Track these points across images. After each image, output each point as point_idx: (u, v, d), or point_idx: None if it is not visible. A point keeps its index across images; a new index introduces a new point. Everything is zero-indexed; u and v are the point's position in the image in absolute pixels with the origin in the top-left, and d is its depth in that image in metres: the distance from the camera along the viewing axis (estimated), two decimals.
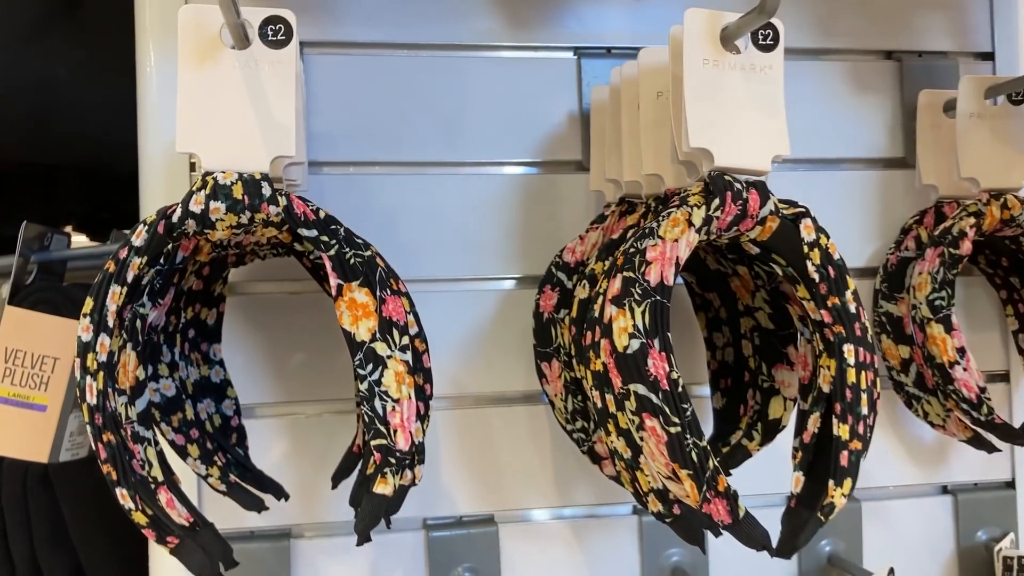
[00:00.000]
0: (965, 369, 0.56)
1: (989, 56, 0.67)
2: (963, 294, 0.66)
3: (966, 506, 0.65)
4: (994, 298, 0.66)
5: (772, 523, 0.44)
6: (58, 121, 0.59)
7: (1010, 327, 0.64)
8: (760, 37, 0.43)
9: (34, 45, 0.57)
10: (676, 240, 0.40)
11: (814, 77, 0.64)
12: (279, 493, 0.52)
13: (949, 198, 0.62)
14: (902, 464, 0.65)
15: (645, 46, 0.61)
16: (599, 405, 0.42)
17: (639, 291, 0.39)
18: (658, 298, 0.39)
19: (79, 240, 0.79)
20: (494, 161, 0.61)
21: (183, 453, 0.48)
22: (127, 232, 0.77)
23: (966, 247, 0.56)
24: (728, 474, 0.52)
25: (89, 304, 0.40)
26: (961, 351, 0.56)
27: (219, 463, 0.49)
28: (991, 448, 0.60)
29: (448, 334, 0.59)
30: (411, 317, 0.45)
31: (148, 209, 0.56)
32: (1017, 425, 0.62)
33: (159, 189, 0.56)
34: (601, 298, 0.41)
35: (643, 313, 0.38)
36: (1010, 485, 0.66)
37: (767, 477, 0.59)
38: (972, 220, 0.57)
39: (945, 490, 0.66)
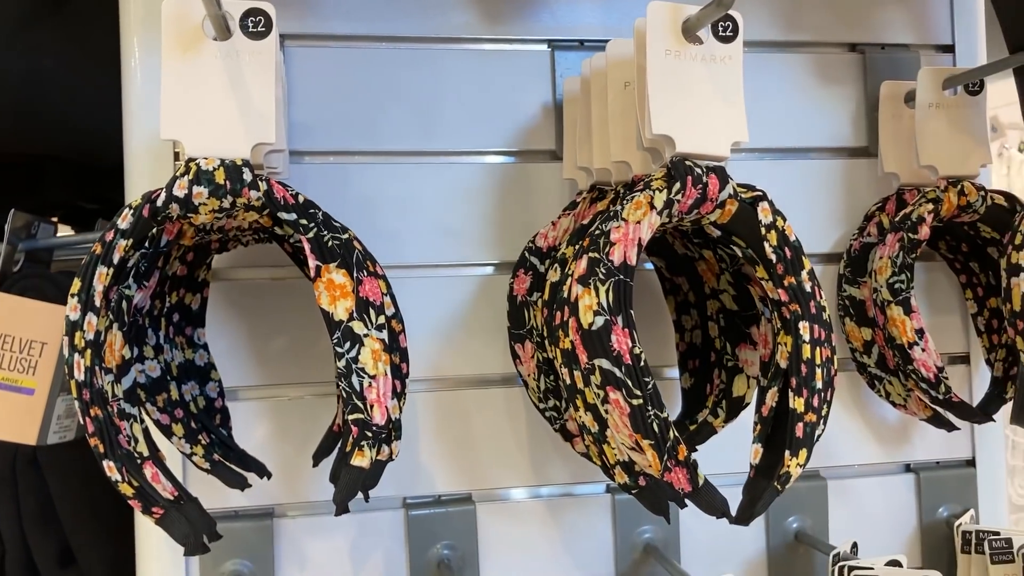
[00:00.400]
0: (924, 350, 0.58)
1: (950, 48, 0.69)
2: (925, 279, 0.68)
3: (928, 484, 0.67)
4: (955, 283, 0.68)
5: (739, 496, 0.46)
6: (45, 112, 0.60)
7: (970, 310, 0.67)
8: (720, 29, 0.45)
9: (21, 38, 0.59)
10: (639, 222, 0.42)
11: (781, 69, 0.66)
12: (262, 472, 0.54)
13: (910, 185, 0.64)
14: (866, 443, 0.67)
15: (616, 37, 0.64)
16: (568, 382, 0.44)
17: (603, 271, 0.41)
18: (621, 277, 0.41)
19: (64, 231, 0.80)
20: (470, 151, 0.62)
21: (168, 432, 0.50)
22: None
23: (924, 232, 0.59)
24: (694, 450, 0.55)
25: (77, 284, 0.41)
26: (920, 332, 0.58)
27: (203, 442, 0.51)
28: (950, 427, 0.63)
29: (426, 318, 0.61)
30: (387, 298, 0.47)
31: (133, 197, 0.58)
32: (976, 404, 0.65)
33: (144, 178, 0.58)
34: (569, 279, 0.43)
35: (607, 291, 0.40)
36: (970, 463, 0.69)
37: (734, 453, 0.61)
38: (930, 206, 0.59)
39: (908, 468, 0.68)
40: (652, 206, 0.42)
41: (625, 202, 0.43)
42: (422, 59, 0.62)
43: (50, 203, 0.74)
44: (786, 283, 0.44)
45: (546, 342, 0.52)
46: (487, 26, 0.63)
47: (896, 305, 0.58)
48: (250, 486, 0.52)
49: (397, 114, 0.61)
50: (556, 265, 0.51)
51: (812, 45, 0.67)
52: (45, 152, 0.63)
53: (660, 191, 0.43)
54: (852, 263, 0.63)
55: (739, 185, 0.45)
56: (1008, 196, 0.60)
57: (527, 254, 0.55)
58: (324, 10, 0.61)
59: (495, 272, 0.62)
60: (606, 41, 0.63)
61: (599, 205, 0.54)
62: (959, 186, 0.60)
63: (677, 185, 0.43)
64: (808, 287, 0.45)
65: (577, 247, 0.45)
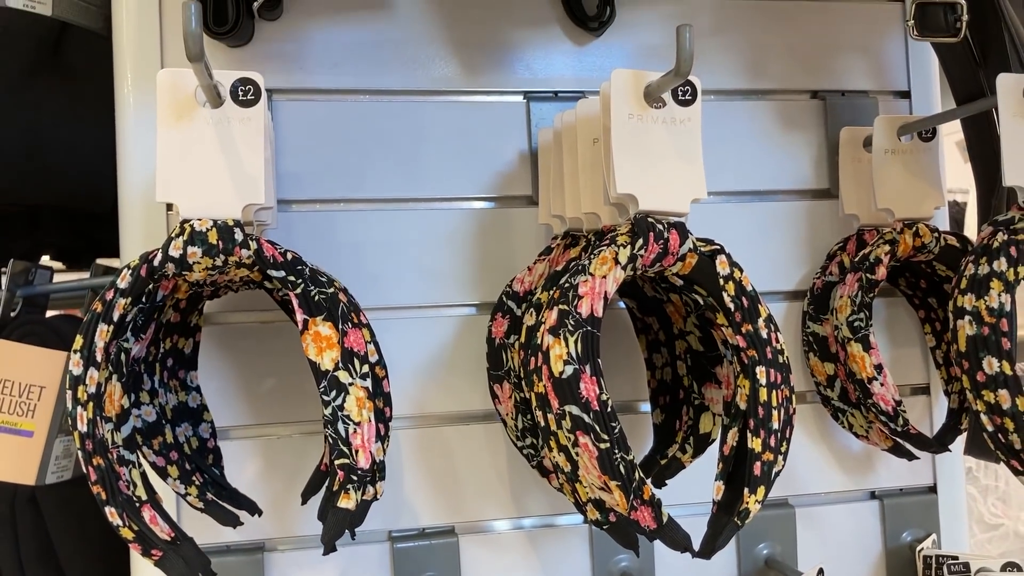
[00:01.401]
0: (882, 384, 0.61)
1: (906, 95, 0.73)
2: (886, 314, 0.72)
3: (892, 510, 0.70)
4: (915, 318, 0.71)
5: (703, 528, 0.49)
6: (42, 164, 0.63)
7: (928, 344, 0.70)
8: (680, 93, 0.48)
9: (22, 94, 0.62)
10: (604, 276, 0.45)
11: (746, 116, 0.70)
12: (253, 509, 0.56)
13: (869, 226, 0.67)
14: (832, 472, 0.70)
15: (588, 89, 0.67)
16: (542, 424, 0.46)
17: (572, 322, 0.44)
18: (589, 328, 0.44)
19: (56, 266, 0.83)
20: (451, 197, 0.65)
21: (163, 474, 0.52)
22: (103, 263, 0.81)
23: (881, 272, 0.62)
24: (664, 484, 0.58)
25: (79, 341, 0.44)
26: (879, 368, 0.61)
27: (197, 482, 0.54)
28: (911, 456, 0.66)
29: (409, 358, 0.64)
30: (371, 346, 0.50)
31: (127, 245, 0.60)
32: (934, 435, 0.68)
33: (137, 225, 0.60)
34: (541, 328, 0.46)
35: (576, 342, 0.43)
36: (932, 490, 0.72)
37: (701, 486, 0.64)
38: (887, 247, 0.63)
39: (873, 495, 0.71)
40: (617, 261, 0.45)
41: (592, 256, 0.46)
42: (404, 110, 0.65)
43: (44, 245, 0.77)
44: (744, 330, 0.47)
45: (523, 384, 0.55)
46: (466, 79, 0.66)
47: (856, 342, 0.61)
48: (242, 524, 0.55)
49: (381, 163, 0.64)
50: (532, 309, 0.54)
51: (775, 92, 0.71)
52: (41, 201, 0.65)
53: (624, 247, 0.46)
54: (815, 301, 0.67)
55: (699, 239, 0.48)
56: (960, 237, 0.64)
57: (504, 298, 0.58)
58: (310, 65, 0.64)
59: (475, 313, 0.65)
60: (578, 92, 0.67)
61: (572, 252, 0.57)
62: (914, 228, 0.63)
63: (640, 241, 0.46)
64: (764, 333, 0.48)
65: (549, 297, 0.48)
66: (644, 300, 0.60)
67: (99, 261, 0.80)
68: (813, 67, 0.71)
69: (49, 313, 0.70)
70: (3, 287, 0.62)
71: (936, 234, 0.63)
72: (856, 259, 0.63)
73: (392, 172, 0.64)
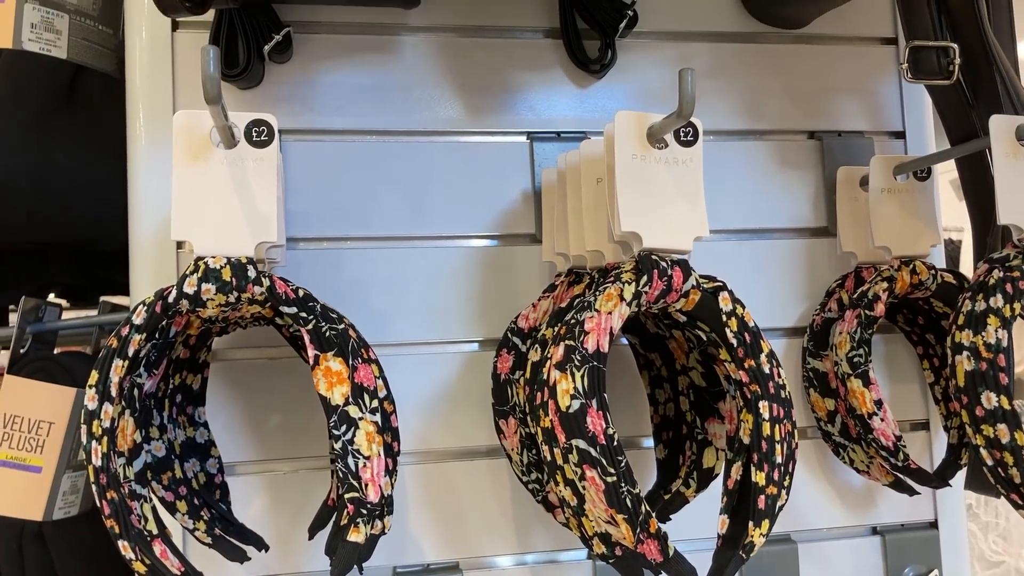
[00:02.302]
0: (883, 420, 0.62)
1: (901, 135, 0.74)
2: (885, 349, 0.72)
3: (893, 545, 0.71)
4: (913, 353, 0.72)
5: (708, 562, 0.49)
6: (53, 204, 0.64)
7: (927, 379, 0.71)
8: (681, 134, 0.50)
9: (35, 134, 0.63)
10: (610, 312, 0.46)
11: (745, 155, 0.71)
12: (260, 544, 0.56)
13: (867, 263, 0.69)
14: (834, 508, 0.70)
15: (590, 130, 0.69)
16: (548, 458, 0.47)
17: (579, 358, 0.45)
18: (595, 364, 0.44)
19: (61, 303, 0.83)
20: (456, 235, 0.67)
21: (172, 509, 0.53)
22: (109, 299, 0.82)
23: (879, 309, 0.63)
24: (668, 519, 0.58)
25: (95, 376, 0.45)
26: (879, 403, 0.62)
27: (205, 518, 0.54)
28: (911, 491, 0.66)
29: (415, 394, 0.64)
30: (380, 381, 0.50)
31: (138, 282, 0.61)
32: (934, 470, 0.68)
33: (148, 263, 0.61)
34: (548, 363, 0.47)
35: (582, 377, 0.44)
36: (933, 525, 0.72)
37: (706, 520, 0.65)
38: (885, 285, 0.64)
39: (874, 531, 0.72)
40: (622, 298, 0.46)
41: (598, 292, 0.47)
42: (411, 151, 0.66)
43: (52, 283, 0.78)
44: (746, 365, 0.48)
45: (528, 419, 0.55)
46: (471, 120, 0.67)
47: (856, 378, 0.62)
48: (249, 559, 0.55)
49: (387, 202, 0.65)
50: (537, 346, 0.55)
51: (773, 133, 0.72)
52: (51, 239, 0.67)
53: (629, 283, 0.47)
54: (814, 337, 0.68)
55: (701, 276, 0.49)
56: (956, 275, 0.65)
57: (509, 334, 0.59)
58: (318, 106, 0.65)
59: (480, 349, 0.66)
60: (580, 132, 0.68)
61: (576, 288, 0.58)
62: (911, 265, 0.64)
63: (644, 278, 0.47)
64: (767, 368, 0.49)
65: (555, 333, 0.49)
66: (647, 336, 0.61)
67: (104, 299, 0.81)
68: (810, 108, 0.73)
69: (57, 349, 0.71)
70: (15, 324, 0.63)
71: (933, 272, 0.64)
72: (855, 296, 0.65)
73: (398, 211, 0.66)
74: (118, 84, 0.65)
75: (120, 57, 0.69)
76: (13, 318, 0.80)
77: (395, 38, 0.67)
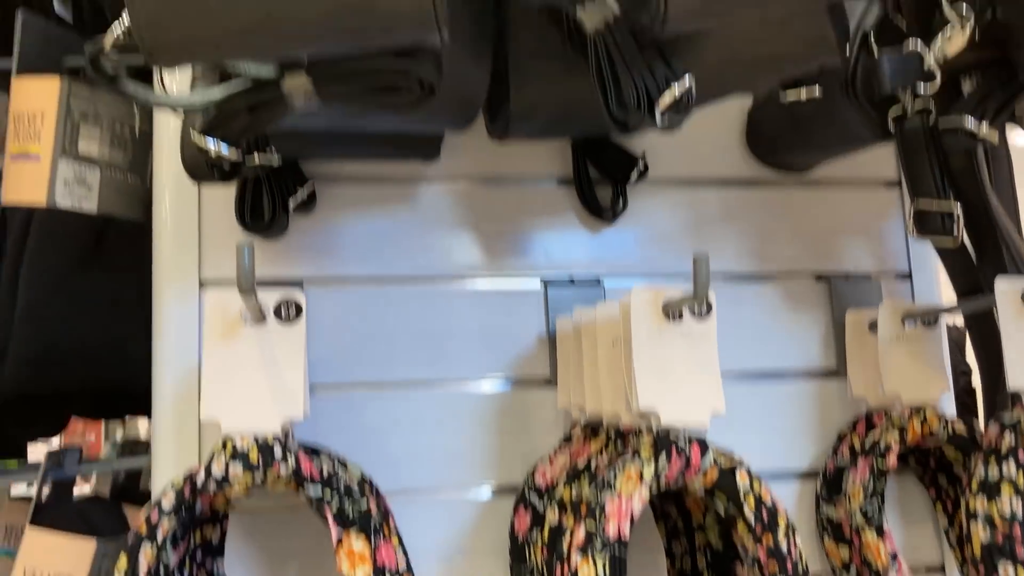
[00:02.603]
0: (898, 573, 0.62)
1: (907, 276, 0.76)
2: (899, 490, 0.73)
3: None
4: (926, 495, 0.73)
5: None
6: (77, 355, 0.66)
7: (941, 524, 0.71)
8: (696, 309, 0.51)
9: (63, 289, 0.65)
10: (631, 495, 0.47)
11: (753, 297, 0.73)
12: None
13: (878, 408, 0.69)
14: None
15: (602, 272, 0.70)
16: None
17: (599, 543, 0.45)
18: (615, 552, 0.45)
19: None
20: (472, 379, 0.68)
21: None
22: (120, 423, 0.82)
23: (892, 461, 0.64)
24: None
25: (123, 562, 0.45)
26: (893, 557, 0.62)
27: None
28: None
29: (429, 542, 0.64)
30: (400, 552, 0.51)
31: (160, 433, 0.62)
32: None
33: (169, 418, 0.62)
34: (569, 540, 0.48)
35: (604, 565, 0.45)
36: None
37: None
38: (897, 435, 0.64)
39: None
40: (642, 478, 0.47)
41: (618, 469, 0.48)
42: (428, 296, 0.68)
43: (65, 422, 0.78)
44: (764, 542, 0.49)
45: None
46: (487, 264, 0.69)
47: (870, 530, 0.63)
48: None
49: (405, 346, 0.67)
50: (555, 505, 0.55)
51: (781, 275, 0.74)
52: (73, 389, 0.68)
53: (648, 463, 0.48)
54: (827, 484, 0.68)
55: (719, 452, 0.50)
56: (968, 425, 0.66)
57: (527, 490, 0.60)
58: (340, 254, 0.67)
59: (494, 496, 0.66)
60: (593, 276, 0.70)
61: (593, 444, 0.59)
62: (921, 414, 0.65)
63: (663, 456, 0.48)
64: (784, 546, 0.49)
65: (573, 504, 0.50)
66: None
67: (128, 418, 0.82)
68: (817, 251, 0.75)
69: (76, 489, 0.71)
70: (39, 474, 0.64)
71: (943, 422, 0.65)
72: (868, 444, 0.65)
73: (416, 355, 0.67)
74: (145, 230, 0.67)
75: (148, 201, 0.71)
76: (31, 448, 0.81)
77: (414, 187, 0.69)
